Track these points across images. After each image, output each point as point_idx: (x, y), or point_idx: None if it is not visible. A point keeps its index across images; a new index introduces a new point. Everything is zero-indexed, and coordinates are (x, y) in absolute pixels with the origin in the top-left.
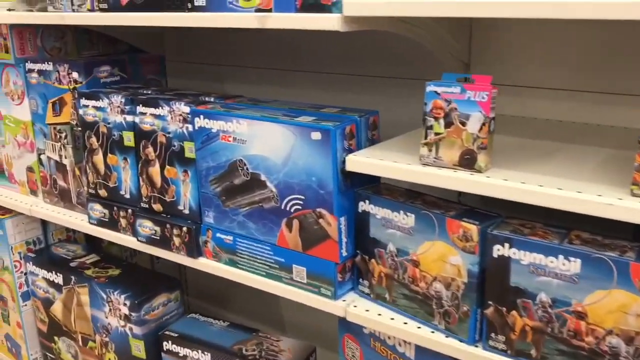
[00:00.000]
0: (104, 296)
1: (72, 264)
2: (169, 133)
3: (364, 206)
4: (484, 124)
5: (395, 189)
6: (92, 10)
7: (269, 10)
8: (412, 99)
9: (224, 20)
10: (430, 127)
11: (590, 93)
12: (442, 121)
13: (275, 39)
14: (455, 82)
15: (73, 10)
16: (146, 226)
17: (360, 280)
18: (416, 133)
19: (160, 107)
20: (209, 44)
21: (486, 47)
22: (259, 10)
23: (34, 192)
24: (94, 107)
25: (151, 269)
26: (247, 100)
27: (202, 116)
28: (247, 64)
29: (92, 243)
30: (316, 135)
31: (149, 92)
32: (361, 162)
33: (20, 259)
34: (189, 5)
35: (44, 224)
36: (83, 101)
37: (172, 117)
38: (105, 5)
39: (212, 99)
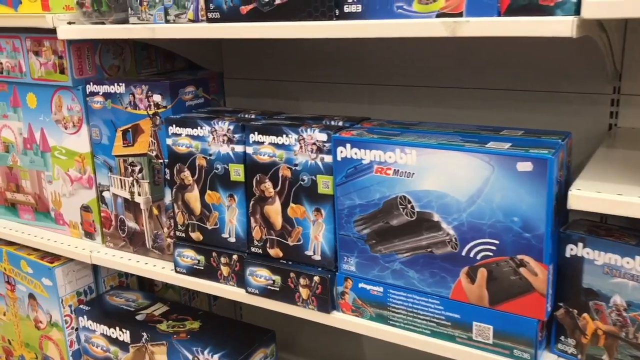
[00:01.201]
0: (190, 356)
1: (138, 317)
2: (295, 165)
3: (575, 250)
4: None
5: (613, 228)
6: (195, 20)
7: (458, 15)
8: (578, 115)
9: (395, 30)
10: None
11: None
12: None
13: (364, 49)
14: None
15: (167, 22)
16: (260, 275)
17: (562, 338)
18: (610, 155)
19: (284, 136)
20: (275, 57)
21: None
22: (441, 15)
23: (89, 235)
24: (189, 136)
25: (234, 317)
26: (387, 122)
27: (348, 145)
28: (326, 79)
29: (144, 288)
30: (525, 166)
31: (252, 116)
32: (590, 198)
33: (71, 312)
34: (336, 12)
35: (95, 270)
36: (173, 129)
37: (301, 147)
38: (216, 14)
39: (339, 122)
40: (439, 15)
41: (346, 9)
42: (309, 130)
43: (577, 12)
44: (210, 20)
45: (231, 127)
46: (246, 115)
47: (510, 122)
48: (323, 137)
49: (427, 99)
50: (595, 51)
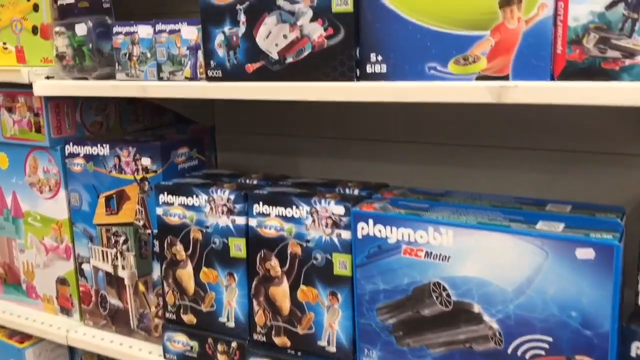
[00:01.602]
0: None
1: None
2: (307, 241)
3: None
4: None
5: None
6: (193, 78)
7: (503, 78)
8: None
9: (430, 94)
10: None
11: None
12: None
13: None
14: None
15: (160, 79)
16: None
17: None
18: None
19: (294, 207)
20: (271, 110)
21: None
22: (482, 77)
23: (66, 311)
24: (182, 205)
25: None
26: (410, 192)
27: (371, 221)
28: (329, 134)
29: None
30: (586, 253)
31: (254, 181)
32: None
33: None
34: (358, 72)
35: (72, 352)
36: (165, 197)
37: (314, 220)
38: (218, 73)
39: (354, 190)
40: (479, 78)
41: (369, 69)
42: (323, 201)
43: None
44: (210, 79)
45: (232, 197)
46: (247, 181)
47: (545, 187)
48: (340, 210)
49: (439, 157)
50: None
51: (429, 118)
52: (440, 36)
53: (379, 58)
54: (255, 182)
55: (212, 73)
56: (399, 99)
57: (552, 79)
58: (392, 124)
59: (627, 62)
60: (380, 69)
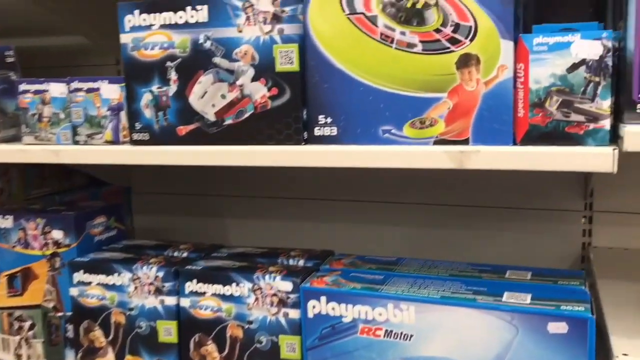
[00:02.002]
0: None
1: None
2: (249, 323)
3: None
4: None
5: None
6: (115, 142)
7: (463, 143)
8: (548, 233)
9: (386, 160)
10: None
11: None
12: None
13: None
14: None
15: (76, 142)
16: None
17: None
18: (616, 289)
19: (233, 284)
20: (193, 169)
21: None
22: (440, 142)
23: None
24: (101, 285)
25: None
26: (360, 261)
27: (323, 298)
28: (256, 192)
29: None
30: (558, 327)
31: (184, 254)
32: None
33: None
34: (305, 135)
35: None
36: (80, 275)
37: (257, 299)
38: (145, 136)
39: (299, 261)
40: (437, 142)
41: (317, 131)
42: (267, 276)
43: (611, 140)
44: (135, 143)
45: (160, 274)
46: (176, 254)
47: (480, 241)
48: (287, 286)
49: (381, 216)
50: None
51: (370, 175)
52: (394, 98)
53: (329, 120)
54: (185, 254)
55: (138, 136)
56: (351, 164)
57: (515, 143)
58: (331, 182)
59: (592, 126)
60: (330, 131)
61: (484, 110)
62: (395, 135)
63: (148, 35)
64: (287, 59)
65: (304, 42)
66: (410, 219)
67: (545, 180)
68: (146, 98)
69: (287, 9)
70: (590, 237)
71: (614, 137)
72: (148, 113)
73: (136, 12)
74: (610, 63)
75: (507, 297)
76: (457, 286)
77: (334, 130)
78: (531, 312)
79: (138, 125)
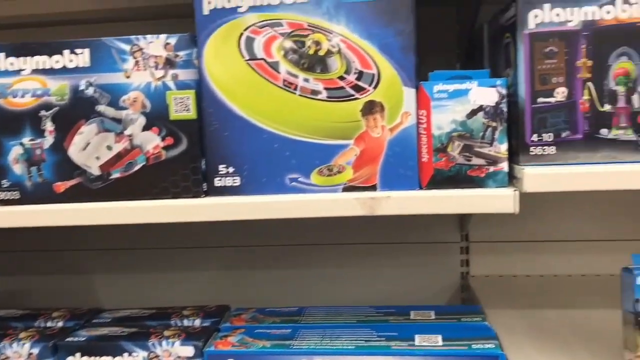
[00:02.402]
0: None
1: None
2: None
3: None
4: None
5: None
6: None
7: (372, 188)
8: (428, 265)
9: (296, 210)
10: None
11: None
12: None
13: None
14: None
15: None
16: None
17: None
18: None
19: (125, 354)
20: None
21: None
22: (349, 188)
23: None
24: None
25: None
26: (261, 315)
27: None
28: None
29: None
30: None
31: (59, 323)
32: None
33: None
34: (205, 187)
35: None
36: None
37: None
38: (14, 194)
39: (194, 320)
40: (346, 189)
41: (218, 182)
42: (164, 342)
43: (509, 182)
44: (3, 203)
45: (35, 350)
46: (49, 324)
47: (365, 279)
48: (188, 351)
49: (263, 261)
50: None
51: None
52: (300, 145)
53: (231, 170)
54: (60, 323)
55: (6, 195)
56: (257, 216)
57: (420, 187)
58: (207, 227)
59: (492, 169)
60: (233, 181)
61: (390, 156)
62: (303, 184)
63: (17, 81)
64: (182, 106)
65: (201, 88)
66: (289, 260)
67: (423, 215)
68: (15, 152)
69: (181, 53)
70: (468, 266)
71: (510, 179)
72: (18, 169)
73: (1, 55)
74: (505, 109)
75: (420, 340)
76: (368, 333)
77: (236, 180)
78: (446, 355)
79: (6, 183)
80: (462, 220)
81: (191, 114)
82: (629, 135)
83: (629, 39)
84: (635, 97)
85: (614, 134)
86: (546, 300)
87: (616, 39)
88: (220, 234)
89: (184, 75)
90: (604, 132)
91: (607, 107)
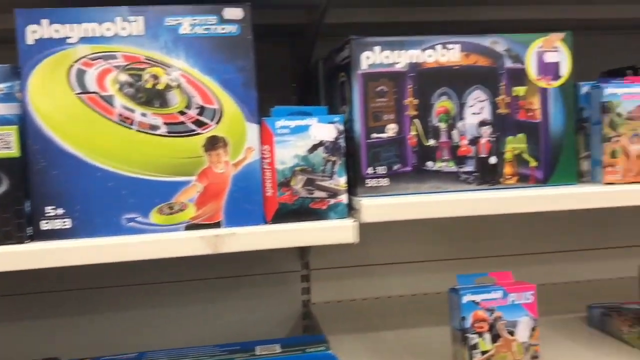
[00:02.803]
0: None
1: None
2: None
3: None
4: (534, 329)
5: None
6: None
7: (217, 225)
8: (271, 296)
9: (129, 252)
10: (475, 347)
11: None
12: (487, 336)
13: None
14: (496, 286)
15: None
16: None
17: None
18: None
19: None
20: None
21: None
22: (193, 226)
23: None
24: None
25: None
26: None
27: None
28: None
29: None
30: None
31: None
32: None
33: None
34: (30, 231)
35: None
36: None
37: None
38: None
39: None
40: (189, 227)
41: (45, 225)
42: None
43: (349, 213)
44: None
45: None
46: None
47: (209, 316)
48: None
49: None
50: None
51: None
52: (138, 183)
53: (60, 211)
54: None
55: None
56: (90, 261)
57: (265, 222)
58: (32, 272)
59: (332, 201)
60: (63, 224)
61: (235, 192)
62: (142, 224)
63: None
64: (3, 144)
65: (25, 124)
66: (126, 302)
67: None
68: None
69: (1, 86)
70: (309, 294)
71: (350, 210)
72: None
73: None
74: (342, 143)
75: None
76: None
77: (67, 223)
78: None
79: None
80: (303, 250)
81: (13, 151)
82: (451, 167)
83: (448, 80)
84: (454, 133)
85: (438, 166)
86: (383, 322)
87: (437, 80)
88: (48, 277)
89: (5, 109)
90: (429, 164)
91: (431, 142)
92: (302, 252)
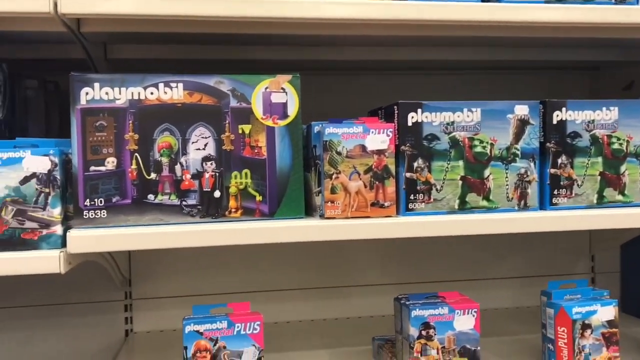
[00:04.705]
0: None
1: None
2: None
3: None
4: (259, 359)
5: None
6: None
7: None
8: (91, 326)
9: None
10: None
11: None
12: None
13: None
14: (222, 316)
15: None
16: None
17: None
18: None
19: None
20: None
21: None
22: None
23: None
24: None
25: None
26: None
27: None
28: None
29: None
30: None
31: None
32: None
33: None
34: None
35: None
36: None
37: None
38: None
39: None
40: None
41: None
42: None
43: (64, 244)
44: None
45: None
46: None
47: (23, 347)
48: None
49: None
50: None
51: None
52: None
53: None
54: None
55: None
56: None
57: None
58: None
59: (45, 231)
60: None
61: None
62: None
63: None
64: None
65: None
66: None
67: (85, 274)
68: None
69: None
70: (132, 324)
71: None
72: None
73: None
74: (58, 176)
75: None
76: None
77: None
78: None
79: None
80: (124, 278)
81: None
82: (174, 200)
83: (170, 116)
84: (177, 167)
85: (160, 199)
86: None
87: (159, 116)
88: None
89: None
90: (150, 197)
91: (153, 176)
92: (124, 281)
